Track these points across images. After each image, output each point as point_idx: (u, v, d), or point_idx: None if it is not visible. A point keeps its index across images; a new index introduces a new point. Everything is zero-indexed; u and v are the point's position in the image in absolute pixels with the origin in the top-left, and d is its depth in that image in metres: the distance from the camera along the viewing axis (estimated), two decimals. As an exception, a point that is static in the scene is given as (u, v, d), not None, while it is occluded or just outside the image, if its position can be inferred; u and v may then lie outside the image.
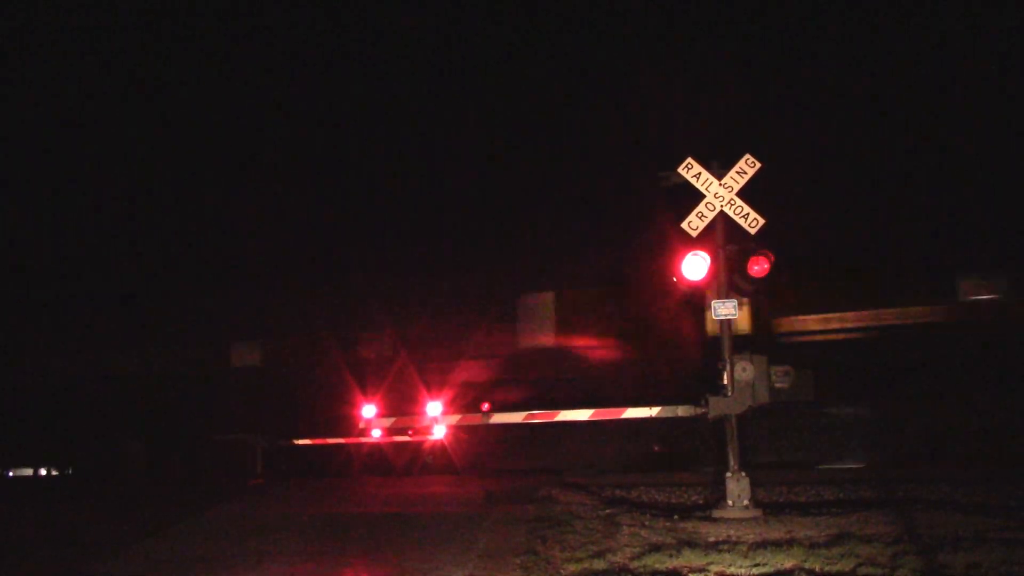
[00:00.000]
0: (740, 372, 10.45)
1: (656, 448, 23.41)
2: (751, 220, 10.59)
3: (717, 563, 7.28)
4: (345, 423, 17.15)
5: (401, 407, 16.84)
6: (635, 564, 7.35)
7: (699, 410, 10.75)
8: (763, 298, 16.62)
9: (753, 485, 10.18)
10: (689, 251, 10.62)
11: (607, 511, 10.26)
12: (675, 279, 10.86)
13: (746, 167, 10.74)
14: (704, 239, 10.78)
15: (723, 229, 10.77)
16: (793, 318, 18.07)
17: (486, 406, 16.56)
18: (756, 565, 7.17)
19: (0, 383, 21.81)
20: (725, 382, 10.51)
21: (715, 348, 11.06)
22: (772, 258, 10.47)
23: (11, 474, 22.97)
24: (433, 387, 17.18)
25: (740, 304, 10.65)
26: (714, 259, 10.68)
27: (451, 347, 18.81)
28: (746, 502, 9.99)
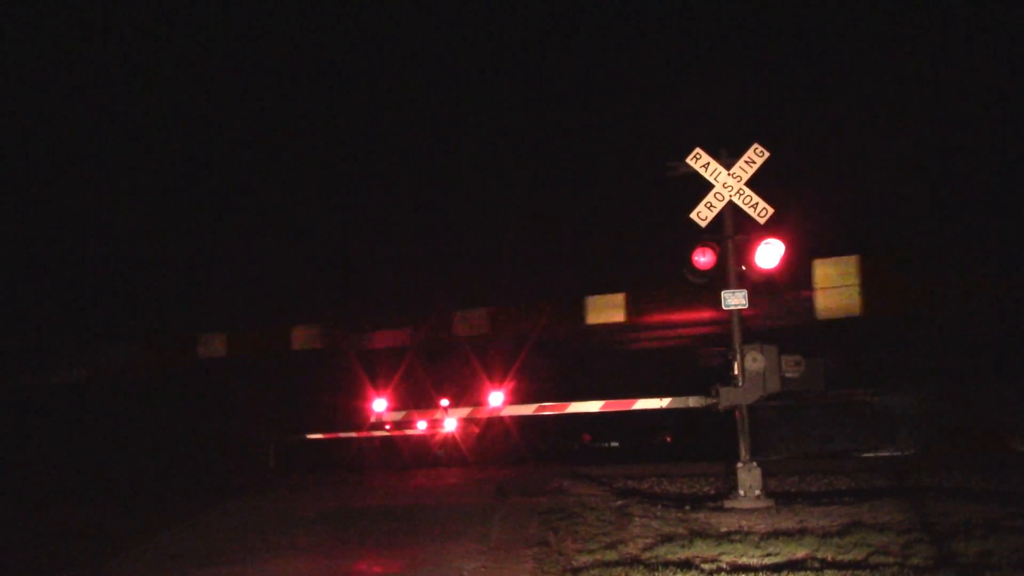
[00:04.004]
0: (751, 362, 10.43)
1: (668, 439, 23.58)
2: (760, 210, 10.55)
3: (729, 553, 7.28)
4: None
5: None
6: (647, 555, 7.36)
7: (710, 400, 10.75)
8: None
9: (765, 475, 10.18)
10: (698, 241, 10.61)
11: (619, 502, 10.27)
12: (686, 270, 10.84)
13: (755, 156, 10.70)
14: (713, 229, 10.77)
15: (732, 219, 10.75)
16: None
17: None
18: (768, 555, 7.17)
19: (11, 381, 22.00)
20: (736, 372, 10.49)
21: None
22: (784, 247, 10.43)
23: (22, 471, 23.16)
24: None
25: (750, 294, 10.62)
26: (723, 249, 10.66)
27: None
28: (758, 492, 9.99)
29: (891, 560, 6.78)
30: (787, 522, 8.69)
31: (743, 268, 10.68)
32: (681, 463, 14.56)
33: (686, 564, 6.96)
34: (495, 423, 18.88)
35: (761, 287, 11.23)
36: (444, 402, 17.05)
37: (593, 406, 12.06)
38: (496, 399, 15.55)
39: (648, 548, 7.61)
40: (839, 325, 16.99)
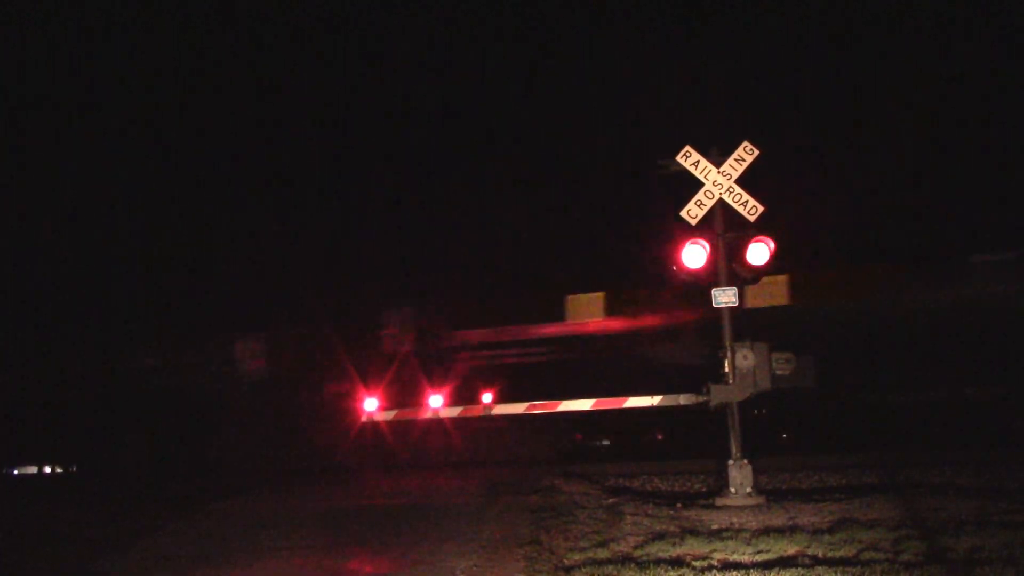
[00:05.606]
0: (741, 360, 10.44)
1: (660, 436, 23.59)
2: (750, 208, 10.56)
3: (720, 550, 7.29)
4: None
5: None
6: (638, 553, 7.37)
7: (701, 398, 10.75)
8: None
9: (755, 472, 10.19)
10: (688, 239, 10.60)
11: (610, 500, 10.28)
12: (674, 267, 10.84)
13: (744, 154, 10.70)
14: (703, 227, 10.76)
15: (722, 217, 10.75)
16: None
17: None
18: (759, 552, 7.18)
19: (4, 382, 21.85)
20: (726, 370, 10.50)
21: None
22: (773, 245, 10.43)
23: (16, 472, 23.07)
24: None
25: (741, 292, 10.63)
26: (713, 247, 10.66)
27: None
28: (749, 489, 10.00)
29: (882, 556, 6.80)
30: (778, 519, 8.72)
31: (733, 266, 10.69)
32: (672, 461, 14.55)
33: (677, 562, 6.97)
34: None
35: (750, 284, 11.25)
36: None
37: (584, 404, 12.05)
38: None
39: (640, 546, 7.62)
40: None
